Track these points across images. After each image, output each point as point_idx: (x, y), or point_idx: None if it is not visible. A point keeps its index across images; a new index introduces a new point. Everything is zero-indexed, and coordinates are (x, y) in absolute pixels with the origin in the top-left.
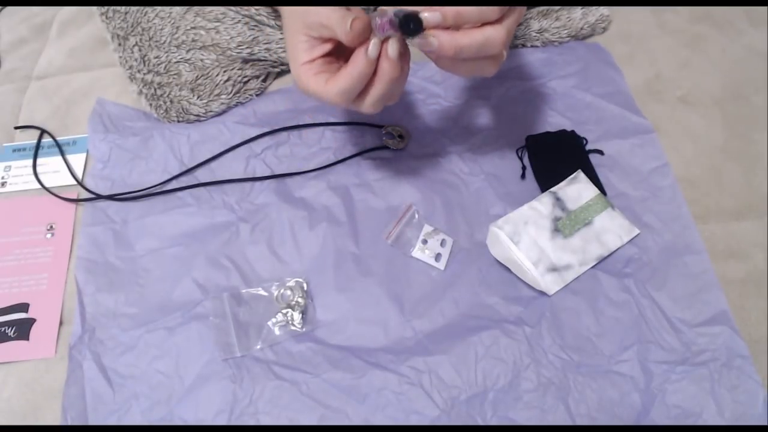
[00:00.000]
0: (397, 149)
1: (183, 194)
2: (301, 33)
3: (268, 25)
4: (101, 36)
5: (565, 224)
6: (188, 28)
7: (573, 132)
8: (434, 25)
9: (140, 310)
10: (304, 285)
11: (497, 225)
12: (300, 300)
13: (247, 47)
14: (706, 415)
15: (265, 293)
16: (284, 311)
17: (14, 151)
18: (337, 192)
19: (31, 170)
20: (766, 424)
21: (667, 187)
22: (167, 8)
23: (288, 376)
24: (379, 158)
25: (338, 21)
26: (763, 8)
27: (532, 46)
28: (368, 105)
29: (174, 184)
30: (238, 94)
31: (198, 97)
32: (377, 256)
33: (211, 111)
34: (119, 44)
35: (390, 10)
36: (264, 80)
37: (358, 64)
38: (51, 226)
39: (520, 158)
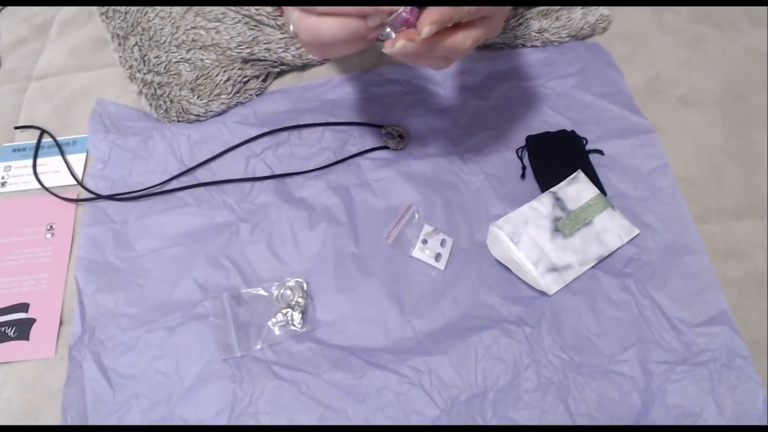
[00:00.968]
0: (397, 149)
1: (183, 194)
2: None
3: (269, 25)
4: (101, 36)
5: (565, 224)
6: (188, 28)
7: (573, 132)
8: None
9: (140, 310)
10: (304, 285)
11: (497, 225)
12: (300, 300)
13: (247, 47)
14: (706, 415)
15: (265, 293)
16: (284, 311)
17: (14, 151)
18: (337, 192)
19: (31, 170)
20: (766, 424)
21: (667, 187)
22: (167, 8)
23: (288, 376)
24: (379, 158)
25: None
26: (763, 8)
27: (532, 46)
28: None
29: (174, 184)
30: (238, 94)
31: (198, 97)
32: (377, 256)
33: (211, 111)
34: (119, 44)
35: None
36: (264, 80)
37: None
38: (51, 226)
39: (520, 158)
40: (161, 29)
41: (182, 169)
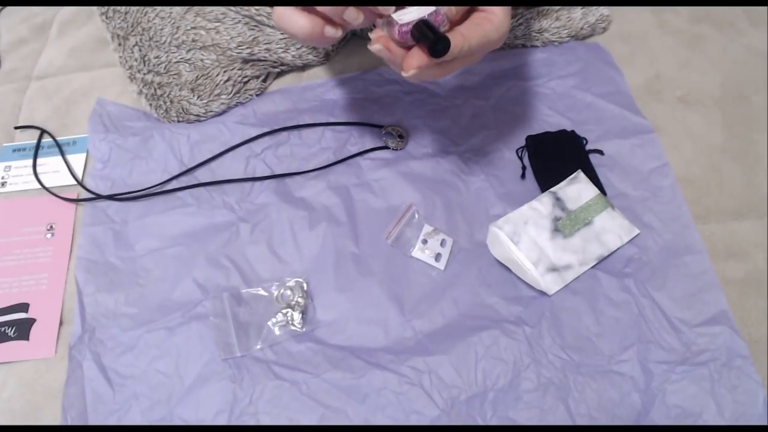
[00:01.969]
0: (397, 149)
1: (183, 194)
2: None
3: (269, 26)
4: (101, 36)
5: (565, 224)
6: (188, 28)
7: (573, 132)
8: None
9: (140, 310)
10: (304, 285)
11: (497, 225)
12: (300, 300)
13: (247, 47)
14: (706, 415)
15: (265, 293)
16: (284, 311)
17: (14, 151)
18: (337, 192)
19: (31, 170)
20: (766, 424)
21: (667, 187)
22: (167, 8)
23: (288, 376)
24: (379, 158)
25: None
26: (763, 8)
27: (532, 46)
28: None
29: (174, 184)
30: (238, 94)
31: (198, 97)
32: (377, 256)
33: (211, 111)
34: (119, 44)
35: (410, 15)
36: (264, 80)
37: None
38: (51, 226)
39: (520, 158)
40: (161, 29)
41: (182, 169)
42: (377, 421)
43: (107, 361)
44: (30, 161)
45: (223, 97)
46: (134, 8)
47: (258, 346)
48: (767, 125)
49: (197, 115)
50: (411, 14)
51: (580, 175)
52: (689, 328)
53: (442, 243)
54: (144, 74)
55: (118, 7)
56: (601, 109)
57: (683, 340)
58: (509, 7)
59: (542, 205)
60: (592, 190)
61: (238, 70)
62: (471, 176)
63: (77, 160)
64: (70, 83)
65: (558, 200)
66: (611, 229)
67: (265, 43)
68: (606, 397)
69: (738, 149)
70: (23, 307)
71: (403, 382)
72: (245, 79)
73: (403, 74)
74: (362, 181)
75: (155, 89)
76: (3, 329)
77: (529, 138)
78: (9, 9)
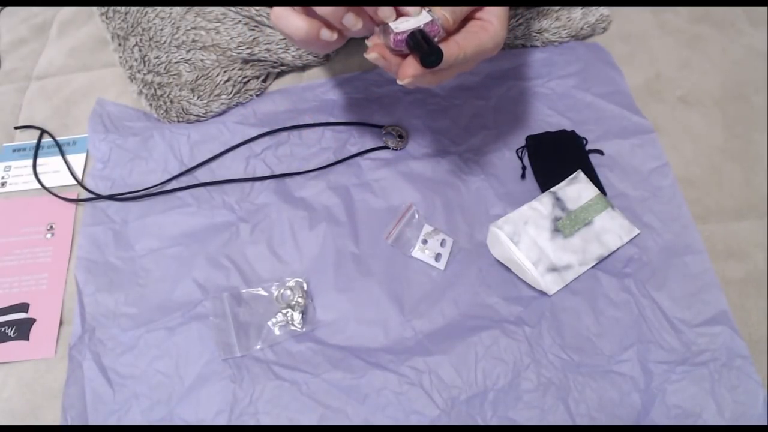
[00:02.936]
0: (397, 149)
1: (183, 194)
2: None
3: (269, 26)
4: (101, 36)
5: (565, 224)
6: (188, 28)
7: (573, 132)
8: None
9: (140, 310)
10: (304, 285)
11: (497, 225)
12: (300, 300)
13: (247, 48)
14: (706, 415)
15: (265, 293)
16: (284, 311)
17: (14, 151)
18: (337, 192)
19: (31, 170)
20: (766, 424)
21: (667, 187)
22: (167, 8)
23: (288, 376)
24: (379, 158)
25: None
26: (763, 8)
27: (532, 46)
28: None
29: (174, 184)
30: (238, 95)
31: (198, 98)
32: (377, 256)
33: (211, 111)
34: (119, 44)
35: (407, 24)
36: (264, 80)
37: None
38: (51, 226)
39: (520, 158)
40: (161, 29)
41: (182, 169)
42: (377, 421)
43: (107, 361)
44: (30, 161)
45: (223, 97)
46: (134, 8)
47: (258, 346)
48: (767, 125)
49: (197, 115)
50: (408, 23)
51: (580, 175)
52: (689, 328)
53: (442, 243)
54: (144, 74)
55: (118, 7)
56: (601, 109)
57: (683, 340)
58: (506, 16)
59: (542, 205)
60: (592, 190)
61: (238, 70)
62: (471, 176)
63: (77, 160)
64: (70, 83)
65: (558, 200)
66: (611, 229)
67: (265, 44)
68: (606, 397)
69: (738, 149)
70: (23, 307)
71: (403, 382)
72: (245, 80)
73: (399, 82)
74: (362, 181)
75: (155, 89)
76: (3, 329)
77: (529, 138)
78: (9, 9)
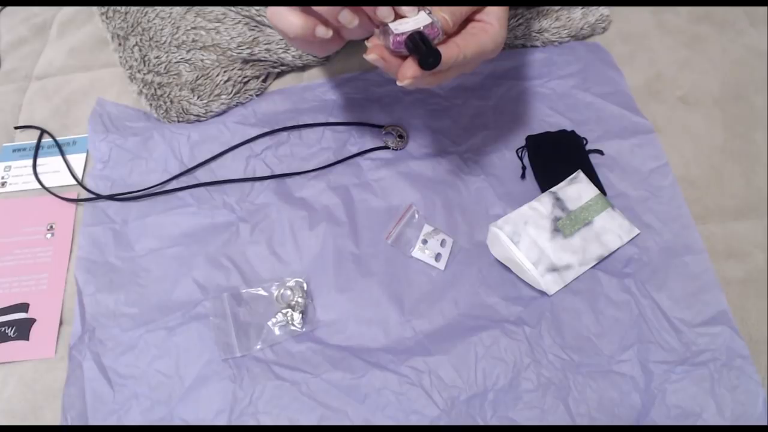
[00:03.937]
0: (397, 149)
1: (183, 194)
2: None
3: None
4: (101, 36)
5: (565, 224)
6: (188, 28)
7: (573, 132)
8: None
9: (140, 310)
10: (304, 285)
11: (497, 225)
12: (300, 300)
13: (247, 48)
14: (706, 415)
15: (265, 293)
16: (284, 311)
17: (14, 151)
18: (337, 192)
19: (31, 170)
20: (766, 424)
21: (667, 187)
22: (167, 8)
23: (288, 376)
24: (379, 158)
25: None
26: (763, 8)
27: (532, 46)
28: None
29: (174, 184)
30: (238, 95)
31: (198, 98)
32: (377, 256)
33: (211, 111)
34: (119, 44)
35: (407, 26)
36: (264, 80)
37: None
38: (51, 226)
39: (520, 158)
40: (161, 29)
41: (182, 169)
42: (377, 421)
43: (107, 361)
44: (30, 161)
45: (223, 97)
46: (134, 8)
47: (258, 346)
48: (767, 125)
49: (197, 115)
50: (407, 25)
51: (580, 175)
52: (689, 328)
53: (442, 243)
54: (144, 74)
55: (118, 7)
56: (601, 109)
57: (683, 340)
58: (506, 18)
59: (542, 205)
60: (592, 190)
61: (238, 70)
62: (471, 176)
63: (77, 160)
64: (70, 83)
65: (558, 200)
66: (611, 229)
67: (265, 44)
68: (606, 397)
69: (738, 149)
70: (23, 307)
71: (403, 382)
72: (245, 80)
73: (398, 83)
74: (362, 181)
75: (155, 89)
76: (3, 329)
77: (529, 138)
78: (9, 9)
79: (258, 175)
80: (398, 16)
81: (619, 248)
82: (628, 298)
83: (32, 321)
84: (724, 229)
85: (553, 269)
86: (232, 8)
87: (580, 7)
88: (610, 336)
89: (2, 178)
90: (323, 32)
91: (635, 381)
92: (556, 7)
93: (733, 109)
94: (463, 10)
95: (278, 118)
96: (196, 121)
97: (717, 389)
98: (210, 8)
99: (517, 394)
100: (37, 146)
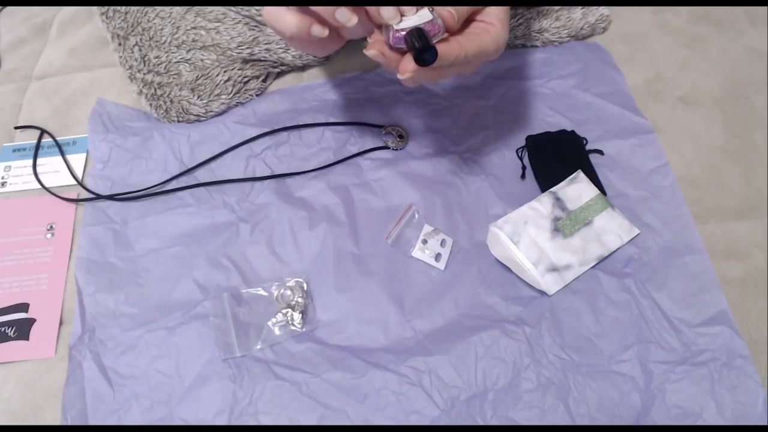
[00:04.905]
0: (397, 149)
1: (183, 194)
2: None
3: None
4: (101, 36)
5: (565, 224)
6: (188, 28)
7: (573, 132)
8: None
9: (140, 310)
10: (304, 285)
11: (497, 225)
12: (300, 300)
13: (247, 47)
14: (706, 415)
15: (265, 293)
16: (284, 311)
17: (14, 151)
18: (337, 192)
19: (31, 170)
20: (766, 424)
21: (667, 187)
22: (167, 8)
23: (288, 376)
24: (379, 158)
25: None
26: (763, 8)
27: (532, 46)
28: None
29: (174, 184)
30: (238, 94)
31: (198, 97)
32: (377, 256)
33: (211, 111)
34: (119, 44)
35: (408, 22)
36: (264, 80)
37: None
38: (51, 226)
39: (520, 158)
40: (161, 29)
41: (182, 169)
42: (377, 421)
43: (107, 361)
44: (30, 161)
45: (223, 97)
46: (134, 8)
47: (258, 346)
48: (767, 125)
49: (197, 115)
50: (409, 21)
51: (580, 175)
52: (689, 328)
53: (442, 243)
54: (144, 74)
55: (118, 7)
56: (601, 109)
57: (683, 340)
58: (507, 19)
59: (542, 205)
60: (592, 190)
61: (238, 70)
62: (471, 176)
63: (77, 160)
64: (70, 83)
65: (558, 200)
66: (611, 229)
67: (265, 44)
68: (606, 397)
69: (738, 149)
70: (23, 307)
71: (403, 382)
72: (245, 79)
73: (399, 77)
74: (362, 181)
75: (155, 89)
76: (3, 329)
77: (529, 138)
78: (9, 9)
79: (258, 175)
80: (402, 17)
81: (619, 248)
82: (628, 298)
83: (32, 321)
84: (724, 229)
85: (553, 269)
86: (232, 8)
87: (580, 7)
88: (610, 336)
89: (2, 178)
90: (319, 31)
91: (635, 381)
92: (556, 7)
93: (733, 109)
94: (466, 7)
95: (278, 118)
96: (196, 121)
97: (717, 389)
98: (210, 8)
99: (517, 394)
100: (37, 146)
